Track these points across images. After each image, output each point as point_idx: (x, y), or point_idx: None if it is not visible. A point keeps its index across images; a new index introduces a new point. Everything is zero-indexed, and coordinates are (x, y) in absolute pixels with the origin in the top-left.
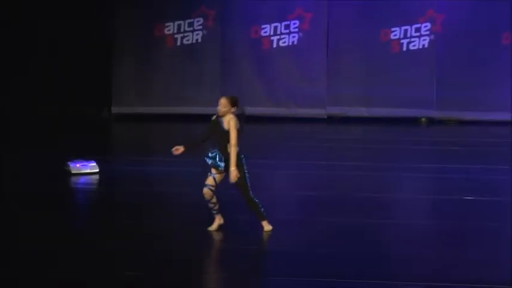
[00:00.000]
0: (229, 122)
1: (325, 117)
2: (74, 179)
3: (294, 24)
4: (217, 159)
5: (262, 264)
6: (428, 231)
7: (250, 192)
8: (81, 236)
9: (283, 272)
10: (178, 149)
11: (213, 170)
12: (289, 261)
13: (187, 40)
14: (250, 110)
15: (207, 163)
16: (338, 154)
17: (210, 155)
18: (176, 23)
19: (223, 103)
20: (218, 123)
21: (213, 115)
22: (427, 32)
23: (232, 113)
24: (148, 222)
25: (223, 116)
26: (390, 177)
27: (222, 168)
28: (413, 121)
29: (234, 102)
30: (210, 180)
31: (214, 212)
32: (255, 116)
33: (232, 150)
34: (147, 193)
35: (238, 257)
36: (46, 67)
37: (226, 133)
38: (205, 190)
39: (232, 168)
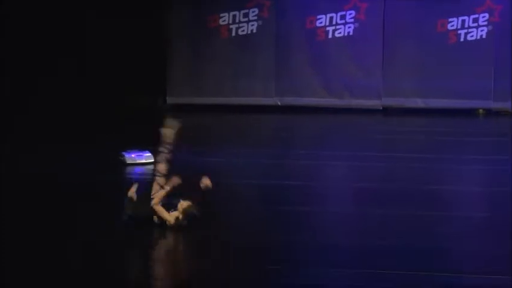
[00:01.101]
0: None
1: (381, 108)
2: (129, 169)
3: (350, 14)
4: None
5: (313, 256)
6: (485, 223)
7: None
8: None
9: (335, 263)
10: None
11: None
12: (342, 253)
13: (242, 31)
14: (305, 100)
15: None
16: (394, 145)
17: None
18: (231, 13)
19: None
20: None
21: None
22: (485, 23)
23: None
24: (203, 212)
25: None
26: (447, 169)
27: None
28: (471, 112)
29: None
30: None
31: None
32: (310, 106)
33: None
34: None
35: (291, 248)
36: (101, 58)
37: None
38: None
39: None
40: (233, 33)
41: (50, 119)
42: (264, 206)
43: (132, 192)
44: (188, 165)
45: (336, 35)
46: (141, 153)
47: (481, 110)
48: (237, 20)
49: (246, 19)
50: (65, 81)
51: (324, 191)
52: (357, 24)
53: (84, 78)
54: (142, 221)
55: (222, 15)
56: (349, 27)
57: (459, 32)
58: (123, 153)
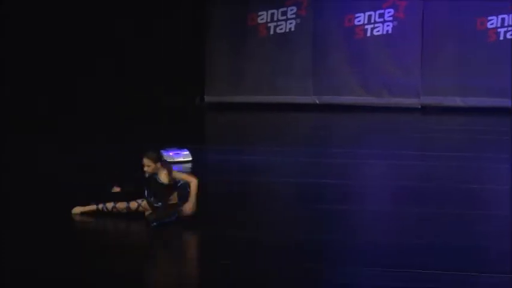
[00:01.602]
0: (166, 176)
1: (419, 106)
2: None
3: (389, 12)
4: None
5: (351, 255)
6: None
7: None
8: (174, 223)
9: (373, 262)
10: (116, 189)
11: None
12: (380, 251)
13: (281, 29)
14: (342, 99)
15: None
16: (432, 144)
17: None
18: (269, 11)
19: (146, 163)
20: (154, 179)
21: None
22: None
23: (163, 166)
24: (241, 210)
25: (153, 173)
26: (486, 168)
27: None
28: (510, 111)
29: (156, 159)
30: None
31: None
32: (348, 105)
33: (193, 186)
34: (240, 182)
35: (329, 247)
36: (140, 56)
37: (166, 187)
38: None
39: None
40: (271, 32)
41: (90, 118)
42: (302, 204)
43: (148, 212)
44: (226, 163)
45: (375, 33)
46: (179, 152)
47: None
48: (275, 18)
49: (284, 17)
50: (103, 80)
51: (361, 189)
52: (395, 23)
53: (121, 77)
54: (168, 224)
55: (260, 13)
56: (387, 26)
57: (499, 30)
58: (161, 151)
